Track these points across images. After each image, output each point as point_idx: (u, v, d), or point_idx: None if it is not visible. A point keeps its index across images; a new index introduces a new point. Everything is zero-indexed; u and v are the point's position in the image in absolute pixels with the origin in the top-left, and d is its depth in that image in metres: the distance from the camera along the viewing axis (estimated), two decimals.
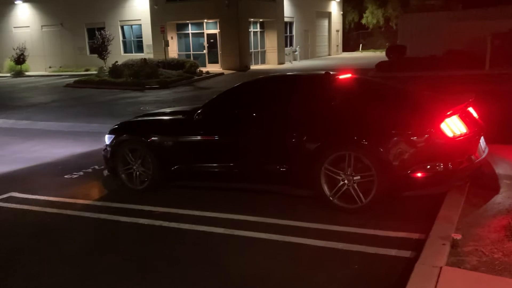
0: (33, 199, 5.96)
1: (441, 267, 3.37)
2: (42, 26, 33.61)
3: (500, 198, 4.75)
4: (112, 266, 4.09)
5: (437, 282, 3.20)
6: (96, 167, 7.23)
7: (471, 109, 5.24)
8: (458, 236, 3.74)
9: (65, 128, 11.17)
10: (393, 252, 3.95)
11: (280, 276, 3.74)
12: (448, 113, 4.72)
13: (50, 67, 32.60)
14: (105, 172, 6.70)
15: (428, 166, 4.63)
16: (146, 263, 4.10)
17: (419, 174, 4.64)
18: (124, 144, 6.03)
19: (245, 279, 3.75)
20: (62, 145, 9.10)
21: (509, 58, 17.52)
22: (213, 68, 26.82)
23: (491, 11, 22.43)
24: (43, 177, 6.99)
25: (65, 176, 6.90)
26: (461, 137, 4.70)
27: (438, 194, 4.82)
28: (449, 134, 4.63)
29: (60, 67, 32.34)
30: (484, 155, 5.04)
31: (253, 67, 28.75)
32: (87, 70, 28.73)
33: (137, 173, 5.96)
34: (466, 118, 4.94)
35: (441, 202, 4.64)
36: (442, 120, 4.64)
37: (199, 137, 5.68)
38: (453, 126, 4.68)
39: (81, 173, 7.04)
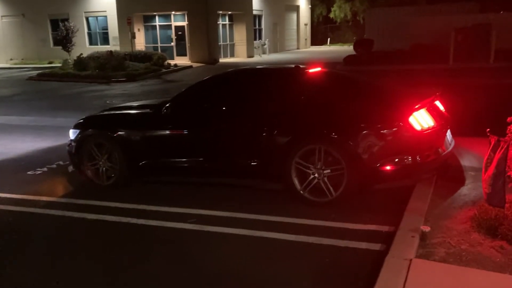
0: None
1: (410, 260, 3.41)
2: (1, 16, 32.36)
3: (466, 190, 4.85)
4: (78, 266, 3.96)
5: (407, 274, 3.24)
6: (61, 162, 7.01)
7: (438, 103, 5.33)
8: (426, 228, 3.79)
9: (28, 122, 10.79)
10: (363, 245, 3.97)
11: (252, 271, 3.71)
12: (416, 106, 4.77)
13: (11, 59, 31.45)
14: (70, 168, 6.50)
15: (397, 159, 4.68)
16: (114, 262, 3.99)
17: (388, 167, 4.68)
18: (90, 139, 5.85)
19: (216, 275, 3.70)
20: (25, 140, 8.78)
21: (472, 52, 18.00)
22: (181, 61, 26.48)
23: (455, 6, 23.01)
24: (5, 173, 6.72)
25: (28, 173, 6.65)
26: (429, 130, 4.77)
27: (407, 187, 4.89)
28: (417, 127, 4.68)
29: (22, 59, 31.25)
30: (450, 148, 5.13)
31: (222, 60, 28.56)
32: (50, 63, 27.84)
33: (104, 168, 5.80)
34: (433, 111, 5.02)
35: (410, 194, 4.71)
36: (410, 114, 4.69)
37: (167, 132, 5.57)
38: (421, 119, 4.74)
39: (45, 169, 6.80)
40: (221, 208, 4.96)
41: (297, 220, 4.56)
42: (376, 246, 3.93)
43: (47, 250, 4.29)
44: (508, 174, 3.88)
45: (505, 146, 3.52)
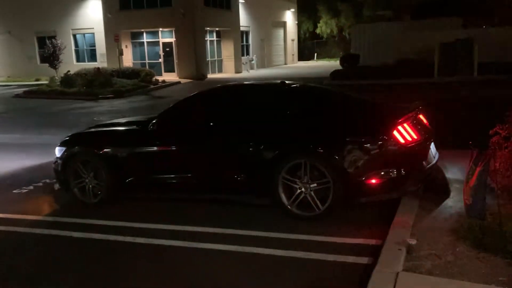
0: None
1: (397, 273, 3.43)
2: None
3: (451, 202, 4.90)
4: (63, 285, 3.91)
5: (394, 287, 3.25)
6: (47, 180, 6.95)
7: (421, 116, 5.40)
8: (413, 241, 3.82)
9: (14, 140, 10.70)
10: (351, 259, 3.98)
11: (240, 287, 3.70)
12: (400, 120, 4.84)
13: None
14: (57, 186, 6.44)
15: (382, 173, 4.73)
16: (101, 280, 3.95)
17: (373, 181, 4.72)
18: (76, 156, 5.83)
19: None
20: (10, 158, 8.70)
21: (456, 66, 18.32)
22: (169, 77, 26.54)
23: (438, 22, 23.46)
24: None
25: (14, 191, 6.58)
26: (413, 144, 4.82)
27: (393, 200, 4.92)
28: (401, 141, 4.74)
29: (8, 76, 31.09)
30: (434, 161, 5.19)
31: (210, 76, 28.68)
32: (37, 80, 27.71)
33: (90, 186, 5.76)
34: (417, 125, 5.08)
35: (396, 207, 4.75)
36: (394, 128, 4.75)
37: (154, 148, 5.57)
38: (405, 133, 4.80)
39: (31, 187, 6.74)
40: (209, 224, 4.94)
41: (285, 235, 4.56)
42: (363, 260, 3.94)
43: (32, 269, 4.23)
44: (491, 186, 3.95)
45: (486, 159, 3.58)
